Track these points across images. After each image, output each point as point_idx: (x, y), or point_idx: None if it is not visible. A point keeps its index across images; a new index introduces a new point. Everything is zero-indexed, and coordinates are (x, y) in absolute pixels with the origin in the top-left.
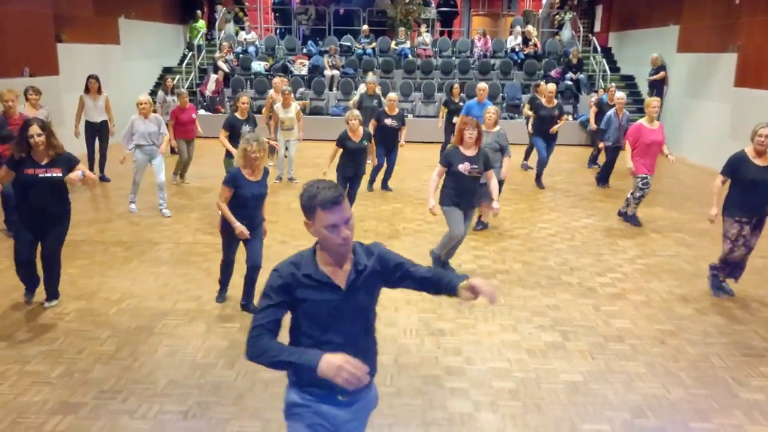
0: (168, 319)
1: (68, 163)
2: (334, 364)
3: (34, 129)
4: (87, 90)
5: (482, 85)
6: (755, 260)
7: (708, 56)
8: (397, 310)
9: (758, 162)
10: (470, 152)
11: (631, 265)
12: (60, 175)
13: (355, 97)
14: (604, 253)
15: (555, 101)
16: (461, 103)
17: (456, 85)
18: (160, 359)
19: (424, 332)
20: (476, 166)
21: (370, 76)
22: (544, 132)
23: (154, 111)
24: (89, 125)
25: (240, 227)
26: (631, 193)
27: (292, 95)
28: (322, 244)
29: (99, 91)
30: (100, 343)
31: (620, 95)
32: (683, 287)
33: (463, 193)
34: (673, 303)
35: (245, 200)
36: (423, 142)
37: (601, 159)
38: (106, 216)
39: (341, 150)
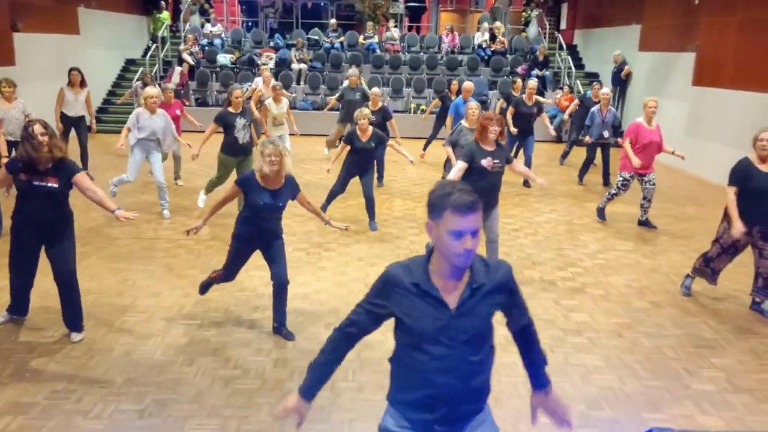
0: (126, 316)
1: (69, 172)
2: (288, 404)
3: (38, 129)
4: (70, 83)
5: (469, 83)
6: None
7: (668, 55)
8: None
9: (763, 168)
10: (490, 147)
11: (591, 259)
12: (56, 186)
13: (338, 93)
14: (566, 247)
15: (534, 98)
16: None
17: (455, 82)
18: (117, 357)
19: (386, 327)
20: (498, 161)
21: (353, 69)
22: (521, 129)
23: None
24: (66, 118)
25: (197, 226)
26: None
27: (284, 90)
28: (439, 250)
29: (82, 84)
30: (54, 341)
31: (605, 91)
32: (641, 281)
33: (485, 189)
34: (630, 297)
35: (257, 209)
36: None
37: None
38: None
39: (348, 147)
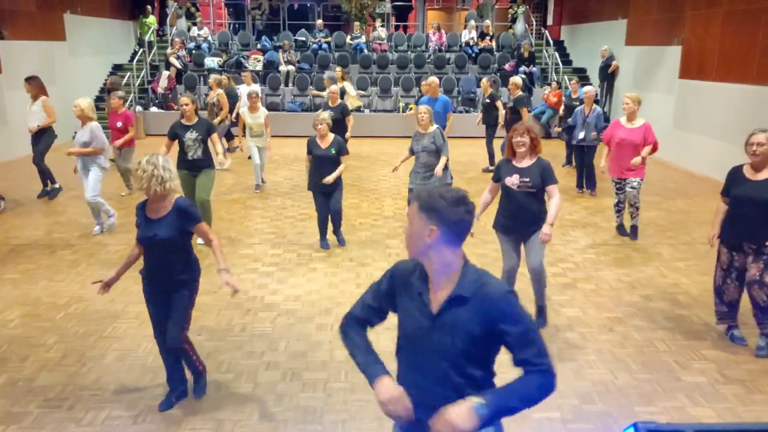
0: (118, 323)
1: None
2: (380, 394)
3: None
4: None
5: (432, 79)
6: (698, 246)
7: (654, 49)
8: (349, 305)
9: (752, 177)
10: (523, 163)
11: (581, 254)
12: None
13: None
14: (556, 243)
15: (518, 92)
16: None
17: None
18: (109, 364)
19: (380, 326)
20: (527, 179)
21: (333, 86)
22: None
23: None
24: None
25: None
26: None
27: (260, 99)
28: None
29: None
30: (46, 349)
31: (587, 89)
32: (631, 275)
33: (513, 213)
34: (621, 291)
35: (138, 241)
36: (380, 137)
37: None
38: (54, 219)
39: (311, 158)
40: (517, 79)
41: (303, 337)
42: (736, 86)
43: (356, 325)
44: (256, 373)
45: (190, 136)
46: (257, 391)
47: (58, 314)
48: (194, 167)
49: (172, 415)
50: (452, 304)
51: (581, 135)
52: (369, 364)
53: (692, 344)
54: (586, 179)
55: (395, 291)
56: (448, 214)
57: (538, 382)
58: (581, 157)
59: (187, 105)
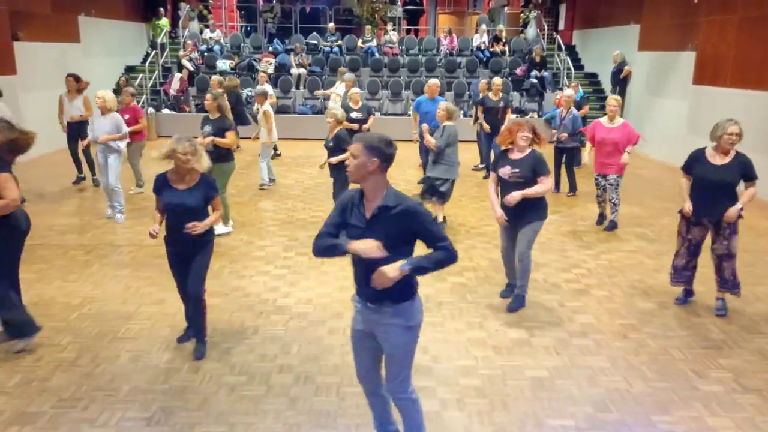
0: (131, 324)
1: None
2: (358, 246)
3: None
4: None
5: (433, 81)
6: None
7: (667, 54)
8: None
9: (713, 161)
10: (516, 155)
11: (594, 260)
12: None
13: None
14: (569, 249)
15: (501, 94)
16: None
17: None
18: (123, 365)
19: None
20: (518, 170)
21: (348, 75)
22: (490, 125)
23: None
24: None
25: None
26: None
27: (265, 98)
28: None
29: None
30: (60, 349)
31: (567, 93)
32: (645, 282)
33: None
34: (635, 297)
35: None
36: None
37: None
38: (67, 220)
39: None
40: (498, 80)
41: (315, 341)
42: (751, 92)
43: (326, 236)
44: (269, 376)
45: (206, 129)
46: (270, 394)
47: (72, 314)
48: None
49: (185, 418)
50: (381, 211)
51: (554, 135)
52: (341, 243)
53: (708, 353)
54: (569, 181)
55: (345, 212)
56: (385, 151)
57: (443, 254)
58: (559, 158)
59: (207, 100)
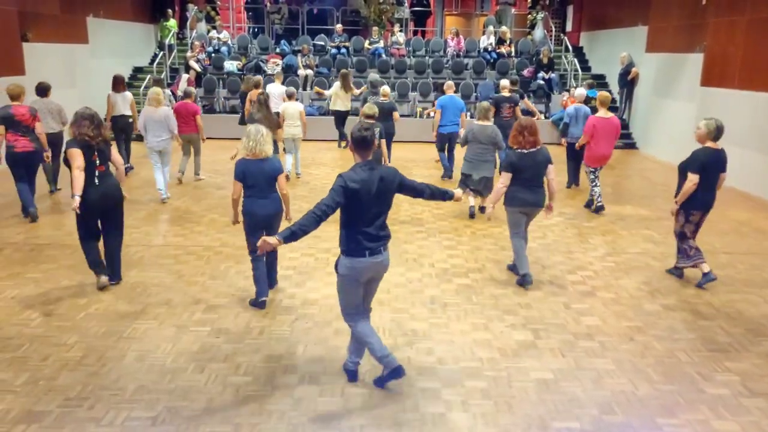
0: (137, 323)
1: None
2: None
3: None
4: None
5: (448, 84)
6: (720, 256)
7: (675, 56)
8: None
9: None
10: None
11: (601, 262)
12: None
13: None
14: (575, 251)
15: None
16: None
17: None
18: (129, 364)
19: (397, 333)
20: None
21: (371, 75)
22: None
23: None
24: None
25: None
26: None
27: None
28: None
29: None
30: (67, 349)
31: (579, 92)
32: (651, 284)
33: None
34: (641, 300)
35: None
36: (397, 142)
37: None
38: (74, 219)
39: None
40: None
41: (320, 342)
42: (760, 94)
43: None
44: (273, 377)
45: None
46: (275, 395)
47: (79, 314)
48: None
49: (191, 418)
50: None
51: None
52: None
53: (715, 356)
54: (574, 174)
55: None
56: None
57: (303, 217)
58: (572, 153)
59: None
